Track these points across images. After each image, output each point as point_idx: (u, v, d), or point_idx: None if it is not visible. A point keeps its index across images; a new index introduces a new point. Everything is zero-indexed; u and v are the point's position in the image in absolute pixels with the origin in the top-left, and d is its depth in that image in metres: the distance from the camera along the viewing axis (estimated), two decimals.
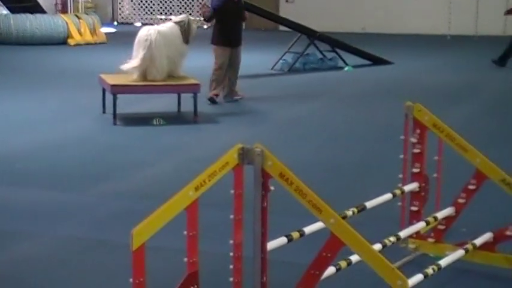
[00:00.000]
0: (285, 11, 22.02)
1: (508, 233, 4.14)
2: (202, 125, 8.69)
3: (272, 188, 3.23)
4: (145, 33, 8.79)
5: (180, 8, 24.58)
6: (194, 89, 8.82)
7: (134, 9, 25.37)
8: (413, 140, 4.41)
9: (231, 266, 3.30)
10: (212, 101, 10.03)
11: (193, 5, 24.67)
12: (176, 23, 9.12)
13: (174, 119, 8.93)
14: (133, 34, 9.12)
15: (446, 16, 21.51)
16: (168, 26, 9.13)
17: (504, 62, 14.34)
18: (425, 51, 17.49)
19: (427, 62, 15.41)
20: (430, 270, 3.56)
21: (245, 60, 15.30)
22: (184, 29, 9.10)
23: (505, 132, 8.56)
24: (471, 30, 20.94)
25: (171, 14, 24.53)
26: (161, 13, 24.91)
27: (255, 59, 15.28)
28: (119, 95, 8.62)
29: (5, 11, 19.25)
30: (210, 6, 10.77)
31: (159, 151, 7.41)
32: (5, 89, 11.09)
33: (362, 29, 22.02)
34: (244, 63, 14.74)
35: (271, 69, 14.04)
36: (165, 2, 24.95)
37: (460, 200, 4.34)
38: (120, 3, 25.39)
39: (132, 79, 8.82)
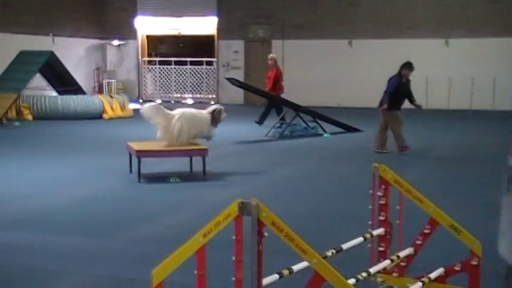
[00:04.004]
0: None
1: (456, 268, 4.11)
2: (209, 182, 8.67)
3: (266, 234, 3.21)
4: (180, 111, 9.03)
5: (193, 88, 24.81)
6: (203, 153, 8.84)
7: (155, 89, 25.58)
8: (380, 193, 4.42)
9: None
10: (406, 149, 11.23)
11: (202, 85, 24.88)
12: (210, 112, 9.24)
13: (187, 177, 8.92)
14: None
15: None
16: (197, 111, 9.25)
17: (262, 121, 15.60)
18: None
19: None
20: None
21: (245, 129, 15.48)
22: (214, 116, 9.19)
23: (454, 185, 8.56)
24: (422, 103, 21.08)
25: (184, 92, 24.76)
26: (176, 92, 25.14)
27: (252, 128, 15.40)
28: (142, 159, 8.65)
29: (54, 93, 19.48)
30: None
31: (175, 204, 7.39)
32: (52, 155, 11.10)
33: (337, 104, 22.18)
34: (244, 131, 14.90)
35: (265, 136, 14.10)
36: (180, 83, 25.19)
37: (418, 242, 4.33)
38: (144, 85, 25.65)
39: (158, 144, 8.98)
